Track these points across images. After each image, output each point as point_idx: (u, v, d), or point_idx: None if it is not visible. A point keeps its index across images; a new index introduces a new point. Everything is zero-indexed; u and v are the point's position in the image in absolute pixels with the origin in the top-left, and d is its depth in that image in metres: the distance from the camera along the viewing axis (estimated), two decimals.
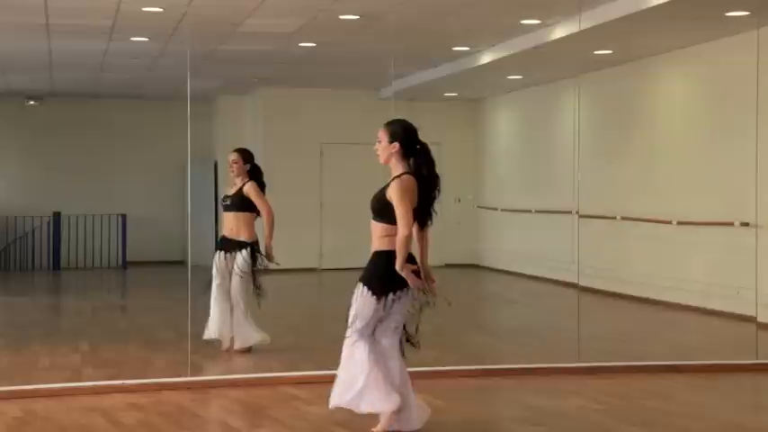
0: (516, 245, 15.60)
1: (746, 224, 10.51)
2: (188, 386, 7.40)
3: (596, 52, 11.85)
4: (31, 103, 17.82)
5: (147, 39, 11.63)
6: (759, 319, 9.17)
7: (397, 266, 5.65)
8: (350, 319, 5.81)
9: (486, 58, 12.66)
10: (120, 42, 11.83)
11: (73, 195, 17.82)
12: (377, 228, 5.86)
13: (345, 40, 11.63)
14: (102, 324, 11.34)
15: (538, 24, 10.91)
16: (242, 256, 8.88)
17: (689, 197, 11.88)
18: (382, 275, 5.75)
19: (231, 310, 8.92)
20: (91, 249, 17.67)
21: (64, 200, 17.68)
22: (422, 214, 5.83)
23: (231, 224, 9.02)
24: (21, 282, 16.44)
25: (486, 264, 16.71)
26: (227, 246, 9.00)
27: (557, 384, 7.60)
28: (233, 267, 8.93)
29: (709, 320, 11.04)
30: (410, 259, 5.78)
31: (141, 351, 9.06)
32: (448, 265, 15.43)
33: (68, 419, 6.46)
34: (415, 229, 5.76)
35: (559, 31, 10.75)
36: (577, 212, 11.26)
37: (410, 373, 7.70)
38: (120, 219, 17.63)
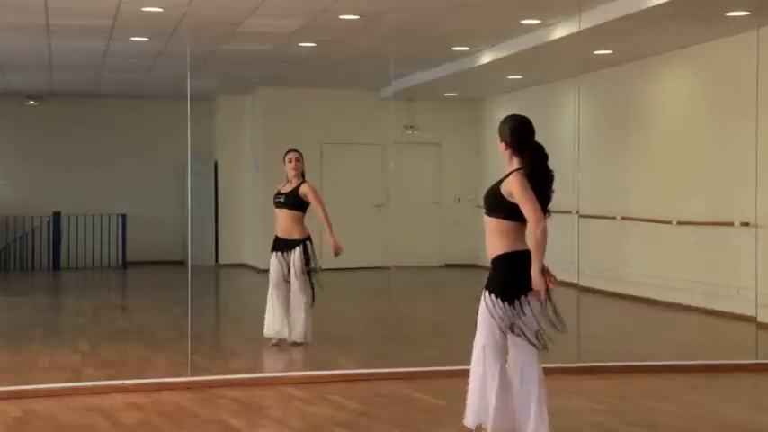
0: None
1: (746, 224, 10.51)
2: (188, 386, 7.40)
3: (596, 52, 11.85)
4: (31, 103, 17.83)
5: (147, 39, 11.63)
6: (759, 319, 9.16)
7: (536, 269, 5.46)
8: (479, 327, 5.56)
9: (486, 58, 12.66)
10: (120, 42, 11.83)
11: (73, 195, 17.83)
12: (491, 223, 5.65)
13: (345, 40, 11.64)
14: (102, 324, 11.35)
15: (538, 24, 10.92)
16: (297, 255, 9.07)
17: (689, 197, 11.88)
18: (508, 279, 5.53)
19: (288, 308, 9.12)
20: (91, 249, 17.67)
21: (64, 200, 17.68)
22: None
23: (283, 222, 9.18)
24: (21, 282, 16.43)
25: (486, 264, 16.67)
26: (282, 246, 9.18)
27: (557, 384, 7.58)
28: (290, 267, 9.10)
29: (710, 320, 11.04)
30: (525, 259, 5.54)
31: (141, 351, 9.06)
32: (448, 265, 15.44)
33: (68, 419, 6.46)
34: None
35: (559, 31, 10.75)
36: (577, 212, 11.25)
37: (411, 372, 7.74)
38: (120, 219, 17.63)
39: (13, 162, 18.05)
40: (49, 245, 17.52)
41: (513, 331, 5.52)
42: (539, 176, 5.59)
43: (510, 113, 5.78)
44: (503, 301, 5.50)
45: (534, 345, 5.54)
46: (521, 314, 5.52)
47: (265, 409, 6.93)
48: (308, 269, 9.13)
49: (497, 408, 5.46)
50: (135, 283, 16.48)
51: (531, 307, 5.57)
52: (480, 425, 5.53)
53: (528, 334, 5.54)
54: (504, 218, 5.56)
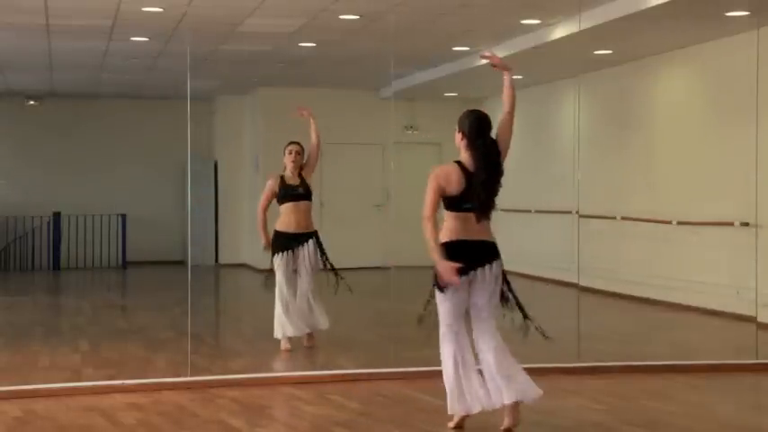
0: (516, 245, 15.59)
1: (746, 224, 10.51)
2: (188, 386, 7.40)
3: (596, 52, 11.85)
4: (31, 103, 17.83)
5: (147, 39, 11.63)
6: (759, 319, 9.17)
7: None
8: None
9: None
10: (120, 42, 11.83)
11: (73, 195, 17.83)
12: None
13: (345, 40, 11.64)
14: (102, 324, 11.34)
15: (538, 24, 10.92)
16: (311, 248, 9.01)
17: (689, 197, 11.88)
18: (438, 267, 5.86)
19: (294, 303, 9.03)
20: (91, 249, 17.67)
21: (64, 200, 17.69)
22: (469, 204, 5.93)
23: (300, 215, 9.04)
24: (21, 282, 16.44)
25: None
26: (294, 242, 9.01)
27: (557, 384, 7.59)
28: (300, 261, 9.00)
29: (710, 320, 11.04)
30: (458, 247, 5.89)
31: (141, 351, 9.06)
32: None
33: (68, 419, 6.46)
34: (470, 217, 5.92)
35: (559, 31, 10.75)
36: (577, 212, 11.26)
37: (411, 372, 7.73)
38: (120, 219, 17.64)
39: (13, 162, 18.05)
40: (49, 245, 17.52)
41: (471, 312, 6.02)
42: (486, 170, 5.91)
43: (470, 109, 6.20)
44: (438, 290, 5.94)
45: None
46: (464, 296, 5.94)
47: (265, 409, 6.93)
48: (325, 260, 9.08)
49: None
50: (135, 283, 16.48)
51: (477, 289, 5.97)
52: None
53: (485, 317, 6.04)
54: (446, 209, 5.99)
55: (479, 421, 6.11)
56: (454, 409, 6.04)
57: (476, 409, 5.98)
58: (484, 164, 5.90)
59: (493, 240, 6.01)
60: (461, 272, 5.78)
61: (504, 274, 6.09)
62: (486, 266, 5.92)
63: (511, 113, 6.19)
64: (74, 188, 17.96)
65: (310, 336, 9.11)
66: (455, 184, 5.89)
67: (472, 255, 5.88)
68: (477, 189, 5.87)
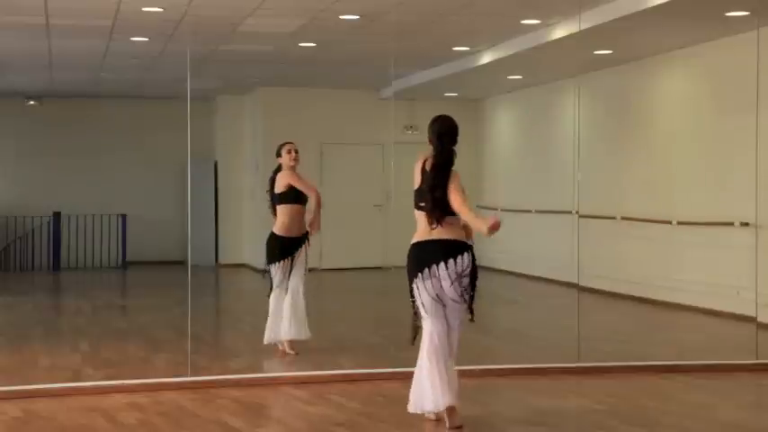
0: (516, 245, 15.60)
1: (746, 224, 10.51)
2: (188, 386, 7.40)
3: (596, 52, 11.85)
4: (31, 103, 17.83)
5: (147, 39, 11.63)
6: (759, 319, 9.16)
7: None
8: None
9: (486, 58, 12.65)
10: (120, 42, 11.83)
11: (73, 195, 17.82)
12: None
13: (345, 40, 11.64)
14: (102, 324, 11.35)
15: (538, 24, 10.92)
16: (307, 248, 8.96)
17: (689, 197, 11.88)
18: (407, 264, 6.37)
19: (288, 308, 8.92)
20: (91, 249, 17.67)
21: (64, 200, 17.68)
22: (422, 203, 6.33)
23: (299, 219, 9.01)
24: (21, 282, 16.44)
25: (485, 264, 16.60)
26: (293, 247, 8.91)
27: (557, 384, 7.60)
28: (295, 264, 8.90)
29: (709, 320, 11.04)
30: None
31: (141, 351, 9.06)
32: None
33: (68, 419, 6.46)
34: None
35: (559, 31, 10.75)
36: (577, 212, 11.26)
37: (411, 372, 7.71)
38: (120, 219, 17.64)
39: (13, 162, 18.05)
40: (49, 245, 17.52)
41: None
42: (433, 171, 6.27)
43: (440, 114, 6.48)
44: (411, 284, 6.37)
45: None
46: (433, 292, 6.33)
47: (265, 409, 6.93)
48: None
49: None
50: (135, 283, 16.48)
51: (443, 286, 6.31)
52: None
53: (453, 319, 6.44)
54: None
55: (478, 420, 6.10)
56: (417, 406, 6.19)
57: (427, 408, 6.16)
58: (436, 167, 6.23)
59: (455, 238, 6.26)
60: (419, 268, 6.23)
61: (474, 270, 6.42)
62: (442, 263, 6.23)
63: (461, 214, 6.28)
64: (74, 188, 17.95)
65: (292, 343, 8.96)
66: (418, 178, 6.39)
67: (428, 253, 6.23)
68: (425, 193, 6.24)
